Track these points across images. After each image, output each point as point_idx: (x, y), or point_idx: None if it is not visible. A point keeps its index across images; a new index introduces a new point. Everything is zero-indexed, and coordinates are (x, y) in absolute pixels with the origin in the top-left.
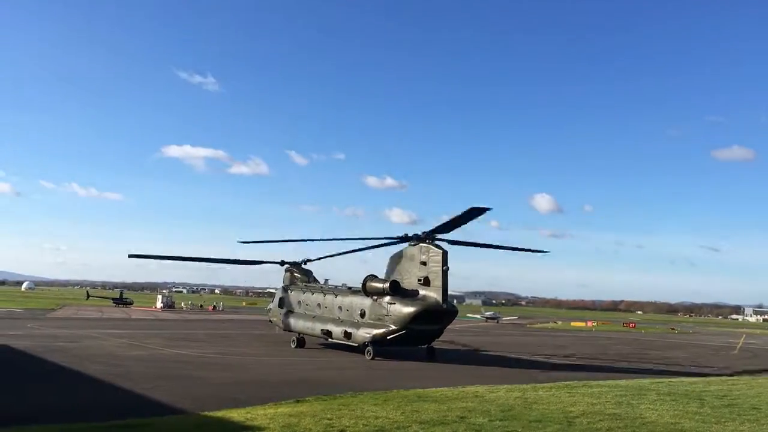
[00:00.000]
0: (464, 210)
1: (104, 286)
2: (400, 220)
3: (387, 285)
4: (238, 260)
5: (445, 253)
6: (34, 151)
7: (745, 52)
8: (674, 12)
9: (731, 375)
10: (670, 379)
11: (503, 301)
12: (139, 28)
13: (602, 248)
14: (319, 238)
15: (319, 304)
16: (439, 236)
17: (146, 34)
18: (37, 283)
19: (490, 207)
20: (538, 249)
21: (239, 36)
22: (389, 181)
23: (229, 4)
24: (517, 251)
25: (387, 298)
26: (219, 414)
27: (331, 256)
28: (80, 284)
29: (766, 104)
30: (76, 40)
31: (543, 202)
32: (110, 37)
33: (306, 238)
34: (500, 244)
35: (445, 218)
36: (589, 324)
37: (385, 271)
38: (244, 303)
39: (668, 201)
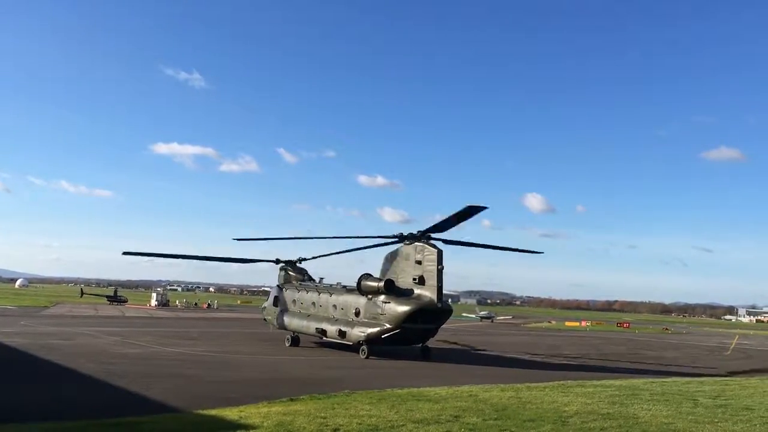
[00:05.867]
0: (461, 208)
1: (98, 283)
2: (392, 219)
3: (382, 284)
4: (233, 258)
5: (440, 253)
6: (22, 148)
7: (731, 53)
8: (662, 13)
9: (725, 375)
10: (663, 379)
11: (498, 301)
12: (123, 24)
13: (594, 248)
14: (314, 236)
15: (313, 303)
16: (434, 235)
17: (130, 30)
18: (31, 281)
19: (487, 206)
20: (532, 250)
21: (224, 32)
22: (380, 180)
23: None
24: (510, 251)
25: (382, 297)
26: (213, 412)
27: (325, 255)
28: (74, 282)
29: (754, 105)
30: (61, 37)
31: (535, 201)
32: (95, 34)
33: (301, 236)
34: (494, 244)
35: (438, 217)
36: (584, 324)
37: (380, 270)
38: (238, 301)
39: (660, 201)
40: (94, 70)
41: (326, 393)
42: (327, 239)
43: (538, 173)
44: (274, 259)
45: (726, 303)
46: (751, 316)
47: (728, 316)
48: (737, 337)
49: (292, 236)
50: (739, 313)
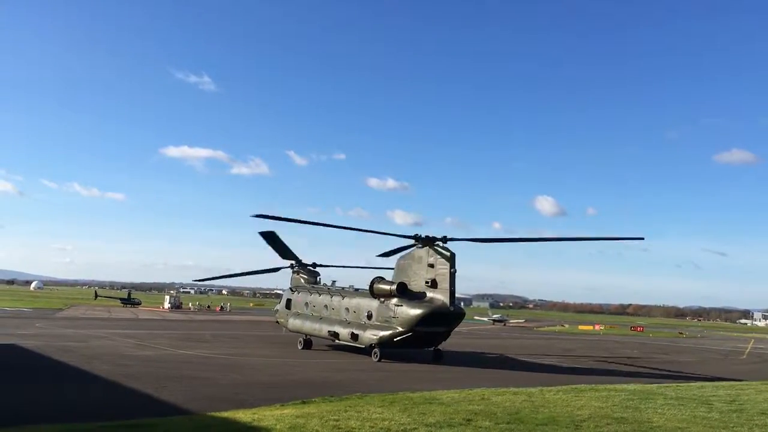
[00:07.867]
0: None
1: (112, 286)
2: (403, 221)
3: (394, 287)
4: (260, 270)
5: (452, 256)
6: (35, 151)
7: (742, 54)
8: (673, 14)
9: (740, 380)
10: (677, 384)
11: (510, 304)
12: (133, 28)
13: (606, 251)
14: (331, 224)
15: (326, 306)
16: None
17: (141, 34)
18: (46, 283)
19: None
20: (633, 236)
21: (234, 35)
22: (391, 183)
23: (222, 2)
24: (611, 240)
25: (394, 300)
26: (226, 415)
27: (340, 267)
28: (88, 284)
29: (766, 106)
30: (74, 40)
31: (546, 204)
32: (105, 38)
33: (319, 222)
34: (591, 236)
35: (449, 220)
36: (597, 327)
37: (392, 273)
38: (251, 304)
39: (672, 204)
40: (104, 74)
41: (339, 395)
42: (343, 229)
43: (549, 176)
44: (289, 264)
45: (741, 306)
46: (767, 320)
47: (743, 320)
48: (753, 341)
49: (311, 221)
50: (755, 316)
